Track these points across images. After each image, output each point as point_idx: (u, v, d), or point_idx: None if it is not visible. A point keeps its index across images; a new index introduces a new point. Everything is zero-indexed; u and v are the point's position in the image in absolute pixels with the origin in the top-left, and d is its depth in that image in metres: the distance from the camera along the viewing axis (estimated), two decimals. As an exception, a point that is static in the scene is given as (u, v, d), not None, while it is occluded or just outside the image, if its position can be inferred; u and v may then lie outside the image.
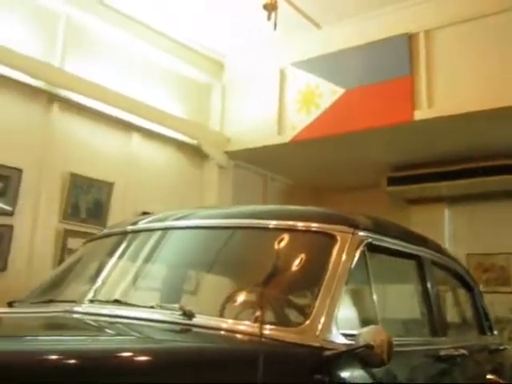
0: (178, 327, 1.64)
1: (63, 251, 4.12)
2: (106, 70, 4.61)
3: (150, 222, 2.34)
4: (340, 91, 4.86)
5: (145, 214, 4.32)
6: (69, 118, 4.34)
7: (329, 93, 4.92)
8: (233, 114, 5.58)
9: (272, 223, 1.95)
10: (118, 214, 4.42)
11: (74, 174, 4.25)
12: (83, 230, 4.23)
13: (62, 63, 4.31)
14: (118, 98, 4.55)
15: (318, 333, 1.55)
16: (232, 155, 5.54)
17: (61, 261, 4.08)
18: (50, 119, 4.21)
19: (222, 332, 1.59)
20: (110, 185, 4.49)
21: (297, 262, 1.80)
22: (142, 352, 1.32)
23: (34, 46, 4.15)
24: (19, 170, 3.90)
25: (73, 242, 4.15)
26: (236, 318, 1.67)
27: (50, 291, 2.22)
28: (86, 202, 4.33)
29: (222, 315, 1.73)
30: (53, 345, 1.35)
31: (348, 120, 4.79)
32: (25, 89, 4.06)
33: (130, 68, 4.84)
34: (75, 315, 1.82)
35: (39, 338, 1.53)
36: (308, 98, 5.07)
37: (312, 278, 1.74)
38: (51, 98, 4.22)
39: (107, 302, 1.89)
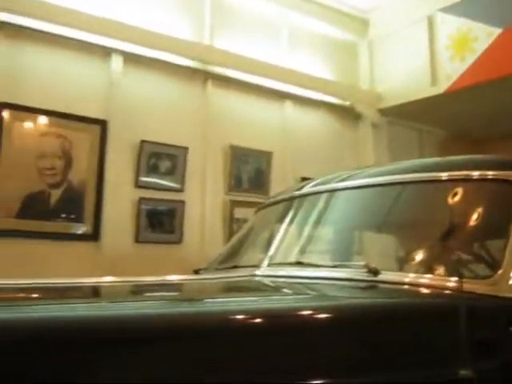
0: (363, 284, 1.66)
1: (231, 221, 4.32)
2: (254, 42, 4.70)
3: (314, 185, 2.37)
4: (496, 32, 4.56)
5: (304, 179, 4.39)
6: (223, 93, 4.49)
7: (484, 35, 4.63)
8: (382, 70, 5.46)
9: (444, 175, 1.89)
10: (278, 182, 4.53)
11: (234, 146, 4.41)
12: (247, 199, 4.39)
13: (211, 41, 4.46)
14: (268, 68, 4.64)
15: (510, 283, 1.50)
16: (385, 112, 5.43)
17: (230, 231, 4.29)
18: (207, 96, 4.39)
19: (411, 287, 1.58)
20: (269, 154, 4.60)
21: (477, 213, 1.74)
22: (334, 309, 1.35)
23: (184, 28, 4.34)
24: (185, 148, 4.13)
25: (239, 212, 4.34)
26: (424, 272, 1.65)
27: (231, 258, 2.36)
28: (248, 172, 4.48)
29: (406, 271, 1.72)
30: (241, 305, 1.42)
31: (507, 62, 4.49)
32: (181, 70, 4.27)
33: (276, 37, 4.89)
34: (258, 278, 1.92)
35: (228, 299, 1.63)
36: (461, 44, 4.81)
37: (497, 228, 1.68)
38: (206, 76, 4.39)
39: (288, 264, 1.96)
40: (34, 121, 3.58)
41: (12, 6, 3.51)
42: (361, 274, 1.66)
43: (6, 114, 3.47)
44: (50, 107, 3.63)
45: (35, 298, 1.48)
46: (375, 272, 1.62)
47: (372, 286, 1.65)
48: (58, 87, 3.71)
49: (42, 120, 3.61)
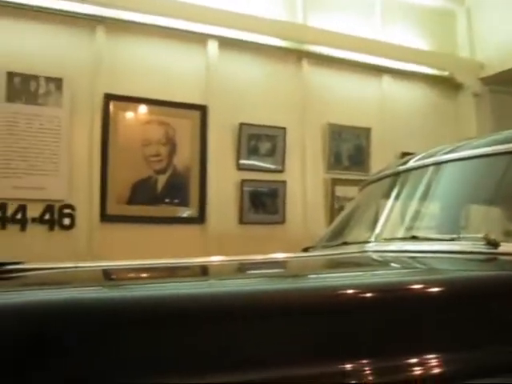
0: (481, 257, 1.60)
1: (332, 199, 4.30)
2: (347, 17, 4.62)
3: (419, 159, 2.31)
4: None
5: (405, 154, 4.29)
6: (319, 71, 4.46)
7: None
8: (481, 37, 5.20)
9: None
10: (378, 159, 4.46)
11: (332, 124, 4.38)
12: (348, 177, 4.35)
13: (305, 20, 4.43)
14: (363, 42, 4.56)
15: None
16: (486, 81, 5.18)
17: (331, 209, 4.28)
18: (303, 75, 4.37)
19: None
20: (367, 130, 4.53)
21: None
22: (454, 282, 1.31)
23: (277, 9, 4.34)
24: (283, 129, 4.15)
25: (340, 190, 4.31)
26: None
27: (339, 235, 2.36)
28: (347, 150, 4.44)
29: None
30: (350, 280, 1.41)
31: None
32: (276, 51, 4.27)
33: (370, 11, 4.78)
34: (368, 254, 1.90)
35: (336, 274, 1.62)
36: None
37: None
38: (300, 55, 4.37)
39: (400, 238, 1.93)
40: (138, 110, 3.72)
41: (112, 2, 3.64)
42: (478, 247, 1.60)
43: (111, 105, 3.61)
44: (152, 96, 3.75)
45: (147, 278, 1.54)
46: (495, 244, 1.56)
47: (492, 259, 1.59)
48: (158, 76, 3.82)
49: (146, 109, 3.73)
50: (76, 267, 1.48)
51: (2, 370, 0.89)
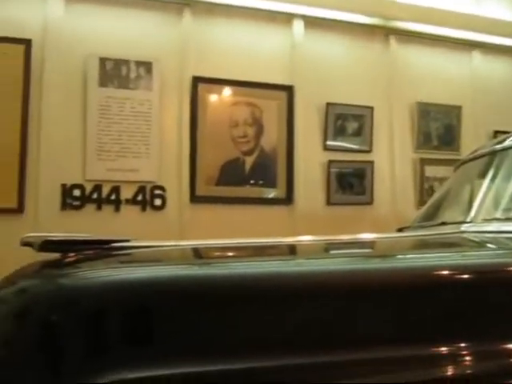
0: None
1: (422, 180, 4.19)
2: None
3: (517, 137, 2.21)
4: None
5: (497, 133, 4.12)
6: (407, 48, 4.34)
7: None
8: None
9: None
10: (469, 138, 4.31)
11: (420, 102, 4.25)
12: (437, 157, 4.23)
13: (393, -5, 4.32)
14: (452, 17, 4.38)
15: None
16: None
17: (421, 189, 4.17)
18: (390, 53, 4.27)
19: None
20: (458, 108, 4.37)
21: None
22: None
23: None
24: (370, 108, 4.08)
25: (429, 170, 4.20)
26: None
27: (433, 216, 2.30)
28: (436, 129, 4.31)
29: None
30: (444, 260, 1.37)
31: None
32: (362, 28, 4.18)
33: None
34: (465, 235, 1.84)
35: (429, 255, 1.58)
36: None
37: None
38: (387, 32, 4.27)
39: (500, 219, 1.86)
40: (225, 92, 3.75)
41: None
42: None
43: (199, 87, 3.66)
44: (239, 77, 3.77)
45: (237, 256, 1.57)
46: None
47: None
48: (244, 57, 3.83)
49: (233, 90, 3.76)
50: (176, 246, 1.53)
51: (108, 343, 0.93)
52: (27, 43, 3.37)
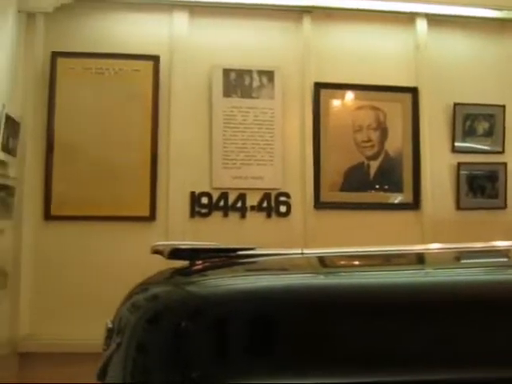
0: None
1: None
2: None
3: None
4: None
5: None
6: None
7: None
8: None
9: None
10: None
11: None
12: None
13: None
14: None
15: None
16: None
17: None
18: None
19: None
20: None
21: None
22: None
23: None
24: (502, 107, 3.86)
25: None
26: None
27: None
28: None
29: None
30: None
31: None
32: (488, 23, 3.96)
33: None
34: None
35: None
36: None
37: None
38: None
39: None
40: (348, 96, 3.71)
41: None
42: None
43: (321, 93, 3.65)
44: (361, 81, 3.71)
45: (364, 265, 1.53)
46: None
47: None
48: (365, 61, 3.76)
49: (355, 95, 3.71)
50: (302, 254, 1.53)
51: (233, 351, 0.95)
52: (155, 59, 3.54)
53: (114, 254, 3.38)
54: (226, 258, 1.42)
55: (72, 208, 3.38)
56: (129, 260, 3.33)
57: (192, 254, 1.41)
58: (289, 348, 0.95)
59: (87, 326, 3.16)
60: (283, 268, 1.41)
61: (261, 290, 1.07)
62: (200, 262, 1.40)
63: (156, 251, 1.45)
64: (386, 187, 3.69)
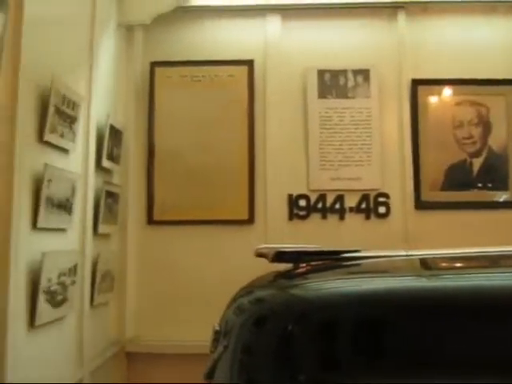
0: None
1: None
2: None
3: None
4: None
5: None
6: None
7: None
8: None
9: None
10: None
11: None
12: None
13: None
14: None
15: None
16: None
17: None
18: None
19: None
20: None
21: None
22: None
23: None
24: None
25: None
26: None
27: None
28: None
29: None
30: None
31: None
32: None
33: None
34: None
35: None
36: None
37: None
38: None
39: None
40: (446, 92, 3.59)
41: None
42: None
43: (419, 90, 3.56)
44: (459, 75, 3.57)
45: (470, 267, 1.47)
46: None
47: None
48: (463, 54, 3.62)
49: (454, 90, 3.58)
50: (406, 255, 1.49)
51: (339, 354, 0.94)
52: (250, 64, 3.58)
53: (214, 257, 3.45)
54: (329, 260, 1.41)
55: (173, 213, 3.48)
56: (229, 263, 3.39)
57: (296, 256, 1.41)
58: (395, 351, 0.94)
59: (191, 327, 3.26)
60: (388, 270, 1.39)
61: (366, 293, 1.06)
62: (304, 265, 1.39)
63: (260, 254, 1.46)
64: (490, 185, 3.53)
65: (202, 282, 3.41)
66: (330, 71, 3.58)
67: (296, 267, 1.40)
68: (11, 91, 2.00)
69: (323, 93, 3.56)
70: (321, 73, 3.57)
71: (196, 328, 3.19)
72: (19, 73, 2.03)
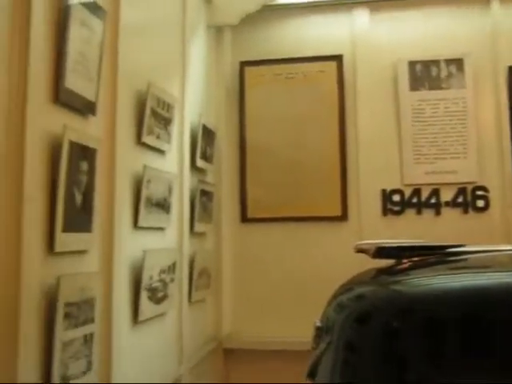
0: None
1: None
2: None
3: None
4: None
5: None
6: None
7: None
8: None
9: None
10: None
11: None
12: None
13: None
14: None
15: None
16: None
17: None
18: None
19: None
20: None
21: None
22: None
23: None
24: None
25: None
26: None
27: None
28: None
29: None
30: None
31: None
32: None
33: None
34: None
35: None
36: None
37: None
38: None
39: None
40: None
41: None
42: None
43: (516, 77, 3.40)
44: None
45: None
46: None
47: None
48: None
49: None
50: (512, 250, 1.43)
51: (445, 351, 0.92)
52: (339, 59, 3.56)
53: (308, 254, 3.44)
54: (432, 255, 1.38)
55: (266, 210, 3.51)
56: (323, 260, 3.38)
57: (398, 252, 1.38)
58: (505, 348, 0.90)
59: (287, 323, 3.28)
60: (494, 265, 1.34)
61: (473, 288, 1.03)
62: (406, 260, 1.37)
63: (360, 250, 1.44)
64: None
65: (297, 279, 3.42)
66: (421, 62, 3.49)
67: (398, 263, 1.37)
68: (110, 95, 2.08)
69: (415, 85, 3.48)
70: (412, 64, 3.49)
71: (292, 324, 3.22)
72: (117, 77, 2.11)
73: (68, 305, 1.64)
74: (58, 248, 1.64)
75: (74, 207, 1.73)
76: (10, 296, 1.47)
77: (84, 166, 1.78)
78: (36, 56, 1.58)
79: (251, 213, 3.54)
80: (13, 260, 1.48)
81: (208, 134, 3.24)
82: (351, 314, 1.12)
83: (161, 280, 2.41)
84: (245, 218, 3.55)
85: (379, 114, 3.51)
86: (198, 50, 3.32)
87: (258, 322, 3.44)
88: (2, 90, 1.48)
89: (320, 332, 1.26)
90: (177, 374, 2.71)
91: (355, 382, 1.01)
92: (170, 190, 2.56)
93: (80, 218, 1.77)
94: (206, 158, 3.22)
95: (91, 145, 1.83)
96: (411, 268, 1.34)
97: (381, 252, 1.37)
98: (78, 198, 1.76)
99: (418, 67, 3.48)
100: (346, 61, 3.57)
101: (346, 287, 1.31)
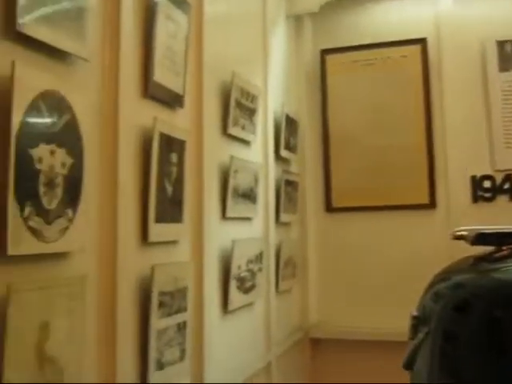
0: None
1: None
2: None
3: None
4: None
5: None
6: None
7: None
8: None
9: None
10: None
11: None
12: None
13: None
14: None
15: None
16: None
17: None
18: None
19: None
20: None
21: None
22: None
23: None
24: None
25: None
26: None
27: None
28: None
29: None
30: None
31: None
32: None
33: None
34: None
35: None
36: None
37: None
38: None
39: None
40: None
41: None
42: None
43: None
44: None
45: None
46: None
47: None
48: None
49: None
50: None
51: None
52: (423, 42, 3.45)
53: (395, 243, 3.37)
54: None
55: (351, 199, 3.47)
56: (412, 248, 3.30)
57: (498, 238, 1.33)
58: None
59: (375, 313, 3.24)
60: None
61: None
62: (506, 247, 1.31)
63: (458, 237, 1.39)
64: None
65: (384, 268, 3.36)
66: (510, 41, 3.33)
67: (498, 250, 1.32)
68: (196, 87, 2.11)
69: (504, 65, 3.32)
70: (500, 44, 3.33)
71: (381, 314, 3.18)
72: (203, 70, 2.14)
73: (162, 294, 1.69)
74: (151, 238, 1.68)
75: (165, 198, 1.76)
76: (107, 285, 1.52)
77: (174, 157, 1.82)
78: (126, 52, 1.62)
79: (336, 202, 3.50)
80: (110, 250, 1.53)
81: (291, 123, 3.24)
82: (449, 302, 1.09)
83: (249, 270, 2.43)
84: (329, 208, 3.52)
85: (467, 97, 3.37)
86: (279, 39, 3.31)
87: (344, 312, 3.41)
88: (96, 86, 1.53)
89: (417, 322, 1.23)
90: (265, 362, 2.73)
91: (455, 372, 0.99)
92: (255, 181, 2.58)
93: (171, 208, 1.81)
94: (289, 147, 3.22)
95: (180, 137, 1.86)
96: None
97: (480, 239, 1.32)
98: (169, 189, 1.80)
99: (508, 46, 3.33)
100: (430, 44, 3.46)
101: (443, 276, 1.27)
